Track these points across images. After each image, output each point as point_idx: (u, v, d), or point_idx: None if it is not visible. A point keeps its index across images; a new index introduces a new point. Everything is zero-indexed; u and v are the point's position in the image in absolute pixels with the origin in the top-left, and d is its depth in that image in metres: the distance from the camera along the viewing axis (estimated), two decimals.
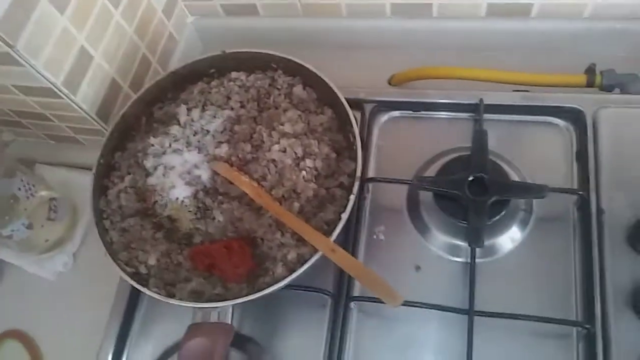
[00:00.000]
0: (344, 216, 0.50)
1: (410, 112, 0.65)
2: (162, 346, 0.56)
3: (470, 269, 0.52)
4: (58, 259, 0.66)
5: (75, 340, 0.61)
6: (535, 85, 0.64)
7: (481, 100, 0.60)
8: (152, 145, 0.58)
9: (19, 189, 0.60)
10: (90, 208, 0.54)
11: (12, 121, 0.70)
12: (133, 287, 0.57)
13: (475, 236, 0.53)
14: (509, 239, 0.56)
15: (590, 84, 0.62)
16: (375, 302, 0.52)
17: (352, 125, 0.54)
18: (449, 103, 0.63)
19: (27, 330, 0.64)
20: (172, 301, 0.49)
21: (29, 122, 0.69)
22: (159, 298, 0.49)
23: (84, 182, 0.69)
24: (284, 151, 0.55)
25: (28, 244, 0.64)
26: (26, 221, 0.61)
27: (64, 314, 0.63)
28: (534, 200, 0.57)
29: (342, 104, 0.56)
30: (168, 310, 0.58)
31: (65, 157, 0.73)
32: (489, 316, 0.50)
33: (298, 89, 0.59)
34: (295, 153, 0.54)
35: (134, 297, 0.59)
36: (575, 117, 0.60)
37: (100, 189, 0.57)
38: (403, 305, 0.47)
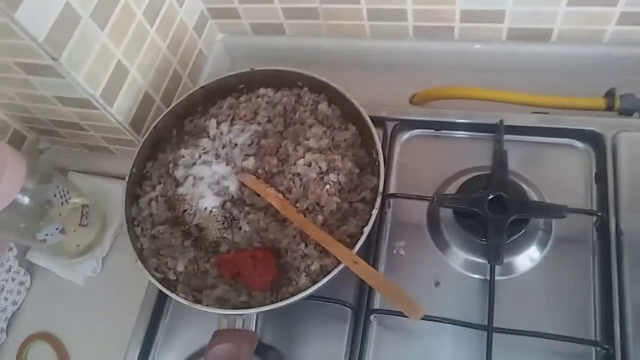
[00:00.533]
0: (367, 229, 0.51)
1: (432, 130, 0.66)
2: (186, 352, 0.58)
3: (490, 286, 0.53)
4: (88, 264, 0.68)
5: (101, 343, 0.63)
6: (555, 108, 0.65)
7: (501, 121, 0.62)
8: (183, 156, 0.60)
9: (54, 195, 0.62)
10: (123, 215, 0.57)
11: (49, 130, 0.73)
12: (160, 294, 0.60)
13: (495, 254, 0.54)
14: (528, 258, 0.57)
15: (609, 108, 0.63)
16: (395, 315, 0.53)
17: (375, 142, 0.56)
18: (469, 123, 0.65)
19: (55, 333, 0.66)
20: (199, 307, 0.50)
21: (65, 131, 0.72)
22: (186, 304, 0.51)
23: (114, 190, 0.73)
24: (309, 165, 0.57)
25: (60, 248, 0.66)
26: (60, 226, 0.63)
27: (91, 318, 0.65)
28: (553, 221, 0.58)
29: (366, 121, 0.58)
30: (192, 317, 0.60)
31: (97, 165, 0.76)
32: (507, 333, 0.51)
33: (323, 106, 0.62)
34: (320, 167, 0.56)
35: (160, 303, 0.61)
36: (594, 140, 0.61)
37: (132, 197, 0.59)
38: (423, 319, 0.48)
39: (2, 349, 0.67)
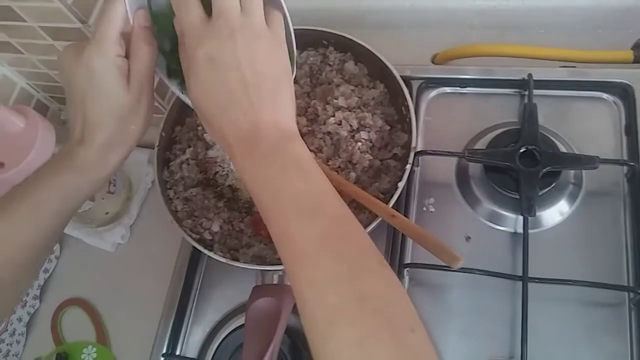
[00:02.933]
0: (401, 184, 0.52)
1: (458, 88, 0.66)
2: (223, 309, 0.59)
3: (524, 236, 0.53)
4: (117, 231, 0.69)
5: (134, 307, 0.65)
6: (581, 62, 0.65)
7: (530, 75, 0.61)
8: None
9: None
10: (155, 178, 0.57)
11: None
12: (193, 255, 0.60)
13: (528, 206, 0.54)
14: (558, 211, 0.57)
15: (637, 60, 0.63)
16: (429, 268, 0.54)
17: (406, 98, 0.56)
18: (495, 79, 0.64)
19: (89, 299, 0.67)
20: (237, 264, 0.51)
21: None
22: (224, 261, 0.51)
23: (138, 158, 0.73)
24: (339, 124, 0.57)
25: (90, 216, 0.67)
26: None
27: (123, 284, 0.67)
28: (584, 174, 0.58)
29: (395, 77, 0.57)
30: (226, 276, 0.61)
31: None
32: (542, 282, 0.52)
33: (350, 65, 0.61)
34: (351, 125, 0.56)
35: (194, 265, 0.62)
36: (623, 91, 0.61)
37: (163, 161, 0.59)
38: (461, 271, 0.49)
39: (37, 315, 0.68)
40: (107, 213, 0.68)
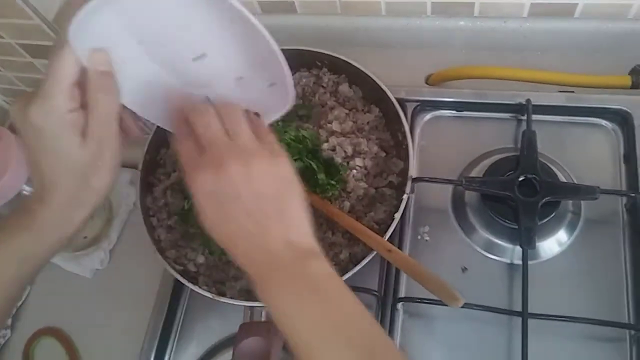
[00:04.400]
0: (397, 215, 0.50)
1: (453, 111, 0.64)
2: (207, 343, 0.56)
3: (523, 270, 0.52)
4: (95, 255, 0.66)
5: (112, 338, 0.61)
6: (579, 87, 0.63)
7: (528, 100, 0.60)
8: None
9: None
10: (138, 205, 0.54)
11: None
12: (176, 284, 0.57)
13: (527, 238, 0.52)
14: (556, 241, 0.55)
15: (635, 86, 0.62)
16: (425, 303, 0.52)
17: (402, 124, 0.54)
18: (492, 103, 0.63)
19: (64, 328, 0.63)
20: (223, 300, 0.48)
21: None
22: (211, 297, 0.48)
23: (120, 177, 0.69)
24: (333, 150, 0.54)
25: None
26: None
27: (101, 312, 0.63)
28: (583, 203, 0.56)
29: (390, 101, 0.56)
30: (211, 308, 0.58)
31: None
32: (542, 318, 0.50)
33: (344, 87, 0.59)
34: (345, 152, 0.54)
35: (177, 294, 0.59)
36: (622, 118, 0.60)
37: (146, 187, 0.56)
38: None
39: (8, 346, 0.64)
40: (85, 237, 0.65)
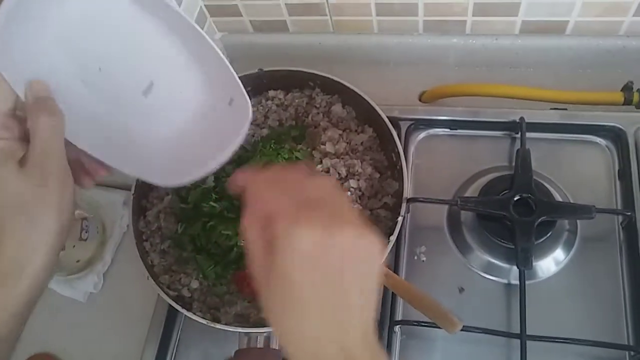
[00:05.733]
0: (392, 238, 0.49)
1: (447, 130, 0.64)
2: None
3: (521, 291, 0.51)
4: (88, 279, 0.65)
5: None
6: (571, 103, 0.63)
7: (522, 119, 0.60)
8: None
9: None
10: (131, 230, 0.53)
11: None
12: (170, 309, 0.56)
13: (524, 258, 0.52)
14: (553, 260, 0.55)
15: (627, 102, 0.62)
16: (422, 326, 0.51)
17: (396, 145, 0.54)
18: (486, 121, 0.63)
19: (57, 354, 0.62)
20: (218, 326, 0.48)
21: None
22: (205, 323, 0.48)
23: (112, 200, 0.69)
24: (327, 171, 0.54)
25: (59, 265, 0.62)
26: None
27: (95, 337, 0.62)
28: (579, 221, 0.56)
29: (383, 122, 0.55)
30: (206, 332, 0.57)
31: None
32: (541, 340, 0.49)
33: (337, 108, 0.59)
34: (339, 173, 0.54)
35: (171, 319, 0.58)
36: (615, 135, 0.60)
37: (139, 210, 0.56)
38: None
39: None
40: (78, 261, 0.64)
